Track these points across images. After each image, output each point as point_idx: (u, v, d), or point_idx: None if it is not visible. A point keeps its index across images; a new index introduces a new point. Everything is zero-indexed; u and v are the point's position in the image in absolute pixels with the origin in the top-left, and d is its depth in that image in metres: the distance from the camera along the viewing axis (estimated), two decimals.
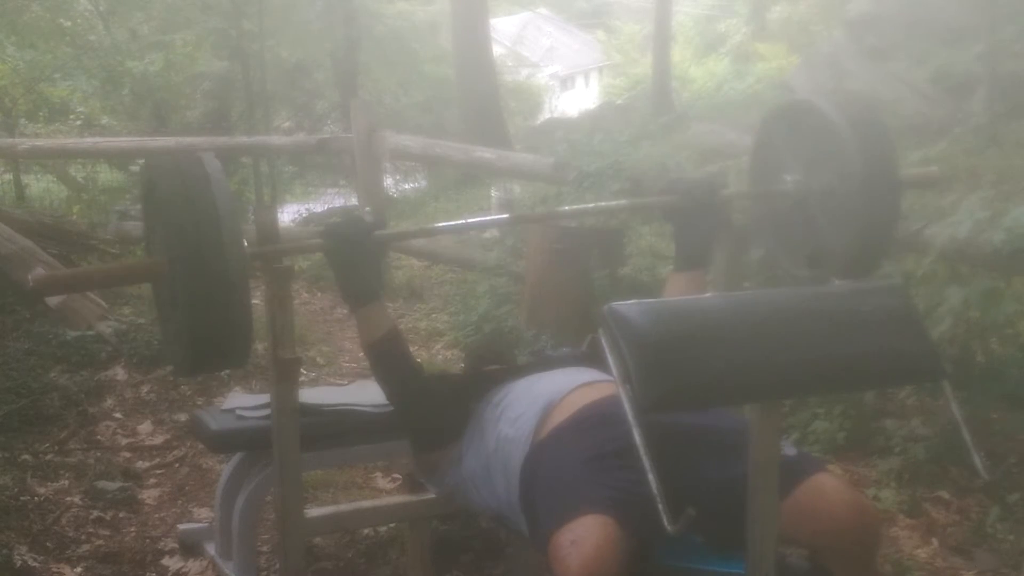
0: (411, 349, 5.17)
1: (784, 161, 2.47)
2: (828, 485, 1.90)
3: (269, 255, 2.15)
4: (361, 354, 4.99)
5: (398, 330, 2.32)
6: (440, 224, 2.44)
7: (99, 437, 3.89)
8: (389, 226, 2.32)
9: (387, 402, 2.39)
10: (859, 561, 1.89)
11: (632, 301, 1.69)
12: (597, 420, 2.00)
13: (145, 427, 4.00)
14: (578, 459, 1.95)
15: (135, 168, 10.35)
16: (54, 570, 2.88)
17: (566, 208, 2.65)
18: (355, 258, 2.20)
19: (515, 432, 2.13)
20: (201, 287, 1.88)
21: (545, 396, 2.17)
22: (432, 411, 2.33)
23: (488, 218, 2.31)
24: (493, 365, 2.60)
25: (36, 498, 3.26)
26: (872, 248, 2.38)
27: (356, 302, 2.25)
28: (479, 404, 2.30)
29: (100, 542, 3.09)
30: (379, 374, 2.32)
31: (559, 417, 2.10)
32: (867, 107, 2.44)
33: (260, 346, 3.17)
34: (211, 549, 2.92)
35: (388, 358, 2.29)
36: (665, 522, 1.54)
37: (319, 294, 6.32)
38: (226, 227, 1.90)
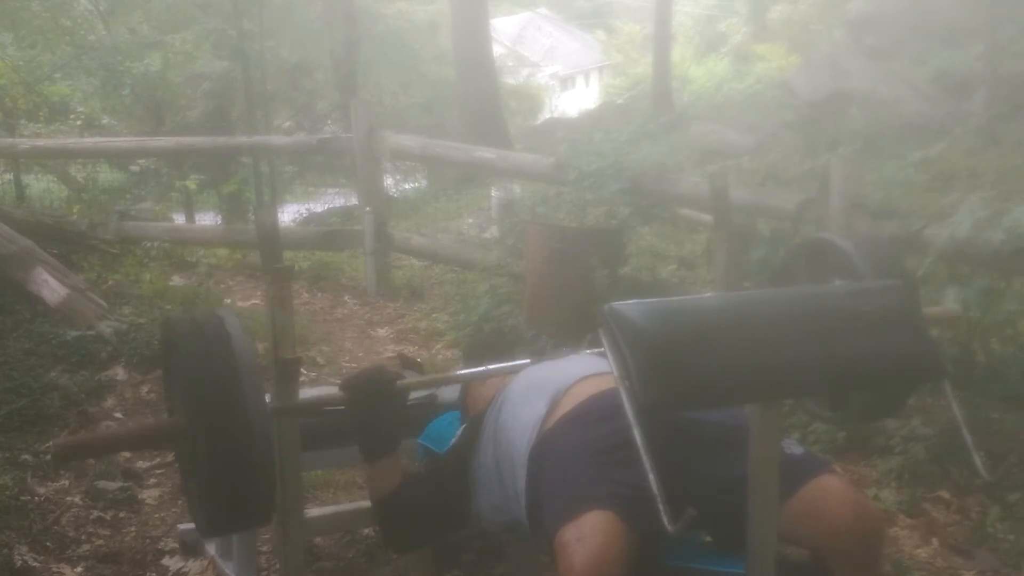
0: (411, 349, 5.15)
1: None
2: (832, 487, 1.90)
3: (291, 414, 2.15)
4: (361, 354, 5.02)
5: (408, 484, 2.29)
6: (460, 372, 2.48)
7: None
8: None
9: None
10: (861, 563, 1.88)
11: (632, 301, 1.69)
12: (602, 412, 2.01)
13: None
14: (583, 453, 1.95)
15: (135, 168, 10.35)
16: (54, 570, 2.88)
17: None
18: (377, 411, 2.19)
19: (521, 421, 2.14)
20: (223, 448, 1.85)
21: (551, 385, 2.18)
22: (441, 531, 2.37)
23: (510, 364, 2.34)
24: (490, 362, 2.60)
25: (36, 498, 3.26)
26: (894, 394, 2.39)
27: (372, 454, 2.23)
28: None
29: (100, 542, 3.08)
30: (385, 528, 2.32)
31: (565, 407, 2.10)
32: (886, 245, 2.46)
33: (260, 346, 3.17)
34: (211, 549, 2.92)
35: (396, 516, 2.27)
36: (665, 523, 1.54)
37: (319, 294, 6.32)
38: (248, 387, 1.88)
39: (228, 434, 1.85)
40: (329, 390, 3.35)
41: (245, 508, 1.95)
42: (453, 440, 2.43)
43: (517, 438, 2.11)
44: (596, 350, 2.31)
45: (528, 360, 2.37)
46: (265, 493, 1.94)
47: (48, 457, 3.58)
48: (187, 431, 1.96)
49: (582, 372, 2.21)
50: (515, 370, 2.33)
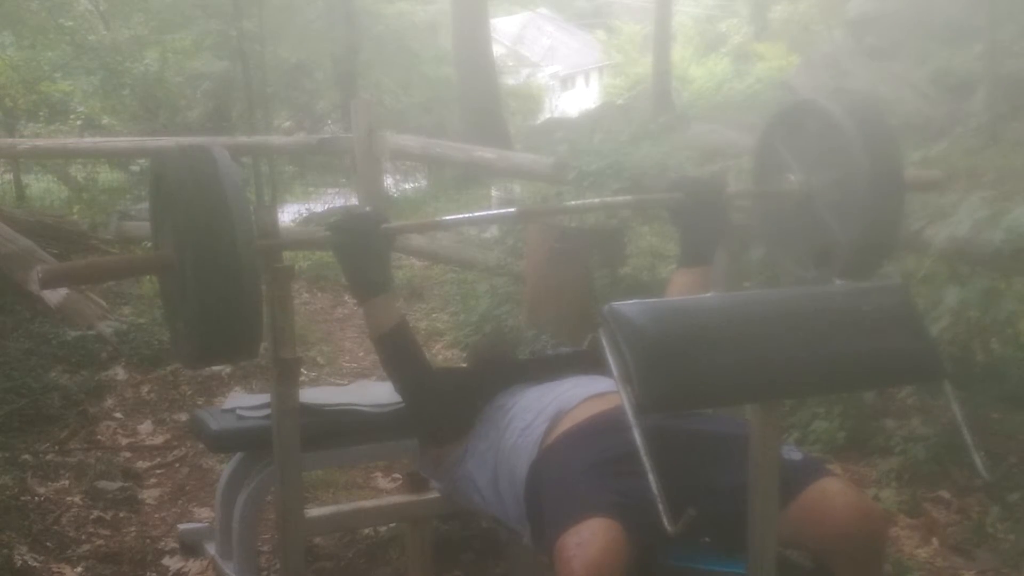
0: None
1: (787, 161, 2.47)
2: (834, 489, 1.89)
3: (277, 248, 2.15)
4: (361, 353, 5.02)
5: (407, 322, 2.31)
6: (447, 217, 2.45)
7: (99, 437, 3.89)
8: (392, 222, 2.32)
9: (395, 396, 2.38)
10: (865, 565, 1.88)
11: (632, 301, 1.69)
12: (604, 427, 1.99)
13: (145, 427, 4.00)
14: (584, 463, 1.94)
15: (135, 168, 10.35)
16: (54, 570, 2.88)
17: (572, 203, 2.65)
18: (364, 250, 2.18)
19: (523, 441, 2.12)
20: (211, 276, 1.86)
21: (555, 405, 2.16)
22: (442, 405, 2.31)
23: (493, 212, 2.33)
24: (496, 364, 2.60)
25: (36, 498, 3.26)
26: (879, 245, 2.38)
27: (365, 294, 2.23)
28: (487, 404, 2.29)
29: (100, 542, 3.08)
30: (389, 367, 2.31)
31: (567, 424, 2.09)
32: (870, 105, 2.45)
33: (261, 346, 3.18)
34: (211, 549, 2.92)
35: (398, 351, 2.27)
36: (665, 522, 1.54)
37: (319, 294, 6.32)
38: (236, 216, 1.89)
39: (216, 262, 1.85)
40: (331, 389, 3.36)
41: (232, 337, 1.95)
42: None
43: (519, 460, 2.10)
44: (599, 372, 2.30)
45: (513, 209, 2.35)
46: (252, 323, 1.94)
47: (48, 457, 3.59)
48: (175, 262, 1.96)
49: (587, 393, 2.19)
50: (500, 218, 2.30)
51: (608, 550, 1.73)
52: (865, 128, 2.28)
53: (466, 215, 2.36)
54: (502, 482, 2.13)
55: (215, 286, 1.87)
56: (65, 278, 2.25)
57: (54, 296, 4.78)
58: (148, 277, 5.89)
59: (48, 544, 3.00)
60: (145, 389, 4.30)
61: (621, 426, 1.63)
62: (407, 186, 13.89)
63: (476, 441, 2.25)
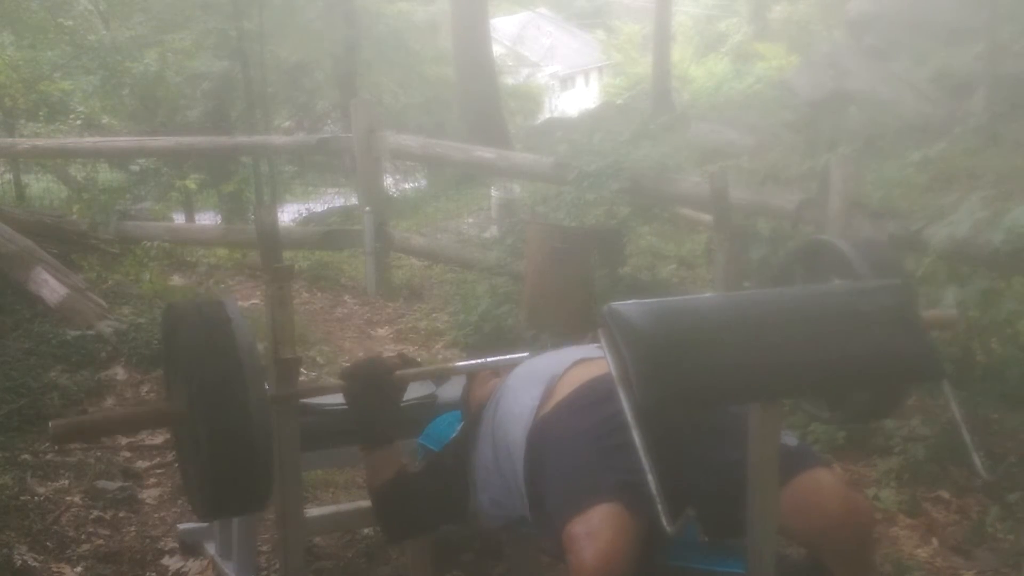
0: (411, 349, 5.13)
1: None
2: (824, 480, 1.91)
3: (291, 400, 2.16)
4: (361, 353, 5.01)
5: (406, 472, 2.31)
6: (460, 363, 2.48)
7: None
8: (408, 365, 2.32)
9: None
10: (853, 558, 1.89)
11: (632, 301, 1.69)
12: (598, 396, 2.01)
13: None
14: (583, 440, 1.95)
15: (135, 168, 10.35)
16: (54, 570, 2.87)
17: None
18: (375, 400, 2.20)
19: (518, 407, 2.13)
20: (222, 433, 1.86)
21: (546, 372, 2.18)
22: (443, 519, 2.35)
23: (508, 356, 2.36)
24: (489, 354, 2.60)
25: (36, 498, 3.26)
26: (893, 393, 2.39)
27: (371, 444, 2.25)
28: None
29: (100, 542, 3.08)
30: (381, 517, 2.33)
31: (560, 393, 2.10)
32: (884, 247, 2.45)
33: (260, 346, 3.17)
34: (211, 549, 2.92)
35: (392, 505, 2.28)
36: (664, 523, 1.54)
37: (319, 294, 6.32)
38: (248, 372, 1.90)
39: (228, 419, 1.86)
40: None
41: (243, 492, 1.96)
42: (452, 436, 2.44)
43: (514, 428, 2.11)
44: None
45: (527, 353, 2.37)
46: (263, 478, 1.95)
47: (48, 456, 3.59)
48: (187, 415, 1.96)
49: (575, 357, 2.21)
50: (514, 362, 2.33)
51: (618, 538, 1.75)
52: (879, 273, 2.29)
53: (481, 360, 2.38)
54: (502, 461, 2.14)
55: (227, 442, 1.87)
56: (77, 433, 2.27)
57: (54, 296, 4.78)
58: (147, 275, 5.90)
59: (48, 544, 3.00)
60: (145, 389, 4.30)
61: (615, 393, 1.63)
62: (407, 186, 13.89)
63: (477, 445, 2.26)
